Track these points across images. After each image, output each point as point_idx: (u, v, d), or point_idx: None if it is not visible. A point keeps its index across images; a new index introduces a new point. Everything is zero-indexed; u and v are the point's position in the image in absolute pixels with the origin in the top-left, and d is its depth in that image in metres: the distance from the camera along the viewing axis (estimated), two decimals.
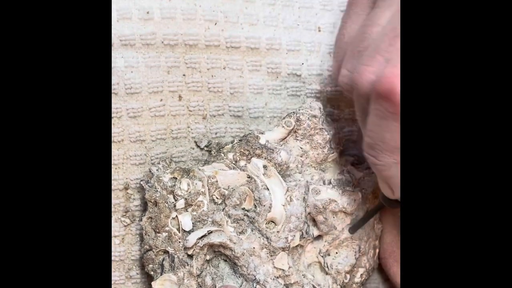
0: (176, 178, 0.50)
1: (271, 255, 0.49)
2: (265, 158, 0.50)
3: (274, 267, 0.49)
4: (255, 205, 0.50)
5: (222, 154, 0.51)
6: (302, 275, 0.50)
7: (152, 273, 0.51)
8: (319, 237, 0.52)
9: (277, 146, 0.51)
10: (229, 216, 0.50)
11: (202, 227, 0.49)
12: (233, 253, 0.49)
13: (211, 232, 0.49)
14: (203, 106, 0.54)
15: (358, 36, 0.46)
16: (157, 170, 0.52)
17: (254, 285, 0.49)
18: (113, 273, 0.53)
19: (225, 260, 0.51)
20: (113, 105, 0.52)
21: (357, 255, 0.53)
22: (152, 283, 0.49)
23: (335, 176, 0.52)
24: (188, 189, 0.50)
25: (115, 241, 0.53)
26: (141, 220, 0.52)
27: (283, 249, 0.49)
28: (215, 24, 0.53)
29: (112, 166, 0.52)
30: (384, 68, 0.41)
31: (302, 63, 0.54)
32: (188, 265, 0.49)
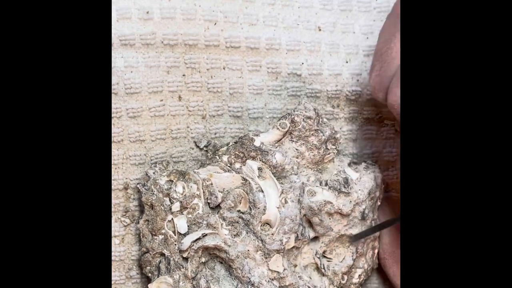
0: (172, 181, 0.51)
1: (266, 258, 0.49)
2: (260, 160, 0.50)
3: (269, 269, 0.50)
4: (250, 208, 0.50)
5: (217, 157, 0.51)
6: (298, 276, 0.50)
7: (149, 275, 0.51)
8: (315, 238, 0.52)
9: (272, 148, 0.51)
10: (224, 219, 0.50)
11: (197, 230, 0.49)
12: (228, 255, 0.49)
13: (206, 235, 0.49)
14: (202, 106, 0.54)
15: None
16: (153, 173, 0.52)
17: (249, 287, 0.49)
18: (113, 273, 0.53)
19: (221, 263, 0.51)
20: (112, 105, 0.52)
21: (354, 256, 0.52)
22: (149, 285, 0.50)
23: (332, 177, 0.52)
24: (184, 192, 0.50)
25: (115, 241, 0.53)
26: (138, 222, 0.52)
27: (278, 251, 0.49)
28: (215, 24, 0.53)
29: (112, 166, 0.52)
30: None
31: (302, 63, 0.54)
32: (183, 267, 0.50)
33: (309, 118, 0.51)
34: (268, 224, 0.50)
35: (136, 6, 0.52)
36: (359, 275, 0.53)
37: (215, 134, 0.54)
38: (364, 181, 0.52)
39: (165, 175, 0.51)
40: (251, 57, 0.54)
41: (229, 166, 0.51)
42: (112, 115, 0.52)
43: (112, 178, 0.52)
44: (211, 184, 0.50)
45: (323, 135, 0.51)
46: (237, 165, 0.51)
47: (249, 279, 0.49)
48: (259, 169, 0.50)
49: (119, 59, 0.52)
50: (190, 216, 0.50)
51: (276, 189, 0.50)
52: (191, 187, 0.50)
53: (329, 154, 0.52)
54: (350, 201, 0.51)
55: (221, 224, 0.49)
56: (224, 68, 0.54)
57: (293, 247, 0.50)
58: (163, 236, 0.50)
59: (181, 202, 0.50)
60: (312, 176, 0.52)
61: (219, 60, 0.53)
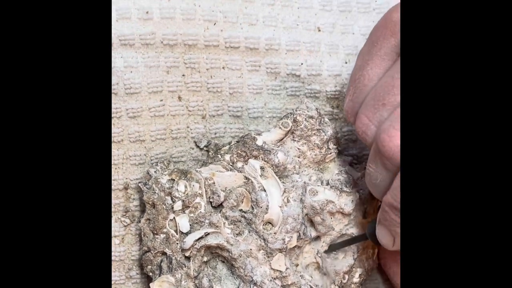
0: (174, 180, 0.51)
1: (268, 257, 0.50)
2: (262, 160, 0.51)
3: (271, 268, 0.50)
4: (252, 207, 0.50)
5: (219, 156, 0.52)
6: (300, 276, 0.51)
7: (150, 274, 0.51)
8: (317, 238, 0.52)
9: (274, 147, 0.51)
10: (226, 218, 0.50)
11: (199, 229, 0.49)
12: (230, 254, 0.49)
13: (208, 233, 0.49)
14: (202, 106, 0.54)
15: (384, 87, 0.45)
16: (155, 171, 0.52)
17: (252, 287, 0.49)
18: (113, 273, 0.53)
19: (223, 262, 0.51)
20: (112, 105, 0.52)
21: (355, 255, 0.53)
22: (150, 284, 0.50)
23: (333, 176, 0.52)
24: (186, 191, 0.50)
25: (115, 241, 0.53)
26: (139, 221, 0.52)
27: (280, 250, 0.50)
28: (214, 24, 0.53)
29: (112, 166, 0.52)
30: None
31: (302, 63, 0.54)
32: (185, 266, 0.50)
33: (311, 117, 0.51)
34: (270, 223, 0.50)
35: (136, 6, 0.52)
36: (359, 274, 0.53)
37: (215, 134, 0.54)
38: (365, 180, 0.52)
39: (167, 174, 0.51)
40: (250, 57, 0.54)
41: (231, 165, 0.51)
42: (112, 115, 0.52)
43: (112, 178, 0.52)
44: (214, 183, 0.50)
45: (325, 134, 0.51)
46: (239, 164, 0.51)
47: (252, 278, 0.49)
48: (261, 168, 0.50)
49: (118, 59, 0.52)
50: (192, 215, 0.50)
51: (279, 188, 0.50)
52: (193, 186, 0.50)
53: (330, 153, 0.52)
54: (352, 200, 0.51)
55: (224, 223, 0.50)
56: (223, 68, 0.54)
57: (295, 246, 0.50)
58: (164, 235, 0.50)
59: (183, 201, 0.50)
60: (313, 175, 0.52)
61: (219, 60, 0.53)
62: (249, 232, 0.50)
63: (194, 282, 0.50)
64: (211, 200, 0.50)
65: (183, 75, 0.53)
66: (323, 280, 0.52)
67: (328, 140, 0.52)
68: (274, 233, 0.49)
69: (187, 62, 0.53)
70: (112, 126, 0.52)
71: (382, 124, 0.44)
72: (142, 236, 0.51)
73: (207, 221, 0.49)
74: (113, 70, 0.51)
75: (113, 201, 0.52)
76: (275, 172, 0.50)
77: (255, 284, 0.49)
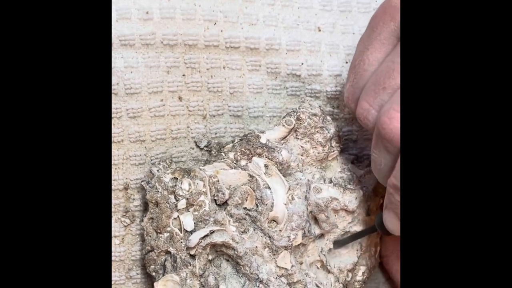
0: (177, 178, 0.50)
1: (274, 254, 0.49)
2: (266, 157, 0.51)
3: (277, 266, 0.49)
4: (256, 204, 0.50)
5: (223, 154, 0.51)
6: (305, 273, 0.51)
7: (154, 274, 0.51)
8: (321, 235, 0.52)
9: (278, 145, 0.51)
10: (231, 216, 0.50)
11: (204, 227, 0.49)
12: (236, 252, 0.49)
13: (214, 231, 0.49)
14: (202, 106, 0.54)
15: (385, 71, 0.45)
16: (157, 170, 0.52)
17: (257, 284, 0.49)
18: (113, 273, 0.53)
19: (228, 260, 0.51)
20: (112, 105, 0.52)
21: (358, 253, 0.53)
22: (155, 283, 0.49)
23: (336, 174, 0.52)
24: (190, 189, 0.50)
25: (115, 241, 0.53)
26: (142, 221, 0.52)
27: (286, 248, 0.49)
28: (215, 24, 0.53)
29: (112, 166, 0.52)
30: None
31: (302, 63, 0.55)
32: (190, 265, 0.49)
33: (315, 115, 0.51)
34: (275, 221, 0.50)
35: (136, 6, 0.52)
36: (362, 272, 0.53)
37: (216, 133, 0.54)
38: (369, 177, 0.52)
39: (170, 172, 0.51)
40: (251, 57, 0.54)
41: (235, 163, 0.51)
42: (112, 116, 0.52)
43: (112, 178, 0.52)
44: (218, 181, 0.50)
45: (328, 132, 0.52)
46: (243, 162, 0.51)
47: (258, 276, 0.49)
48: (266, 166, 0.50)
49: (119, 59, 0.52)
50: (196, 213, 0.49)
51: (283, 186, 0.50)
52: (197, 184, 0.50)
53: (333, 151, 0.52)
54: (356, 198, 0.51)
55: (229, 221, 0.49)
56: (224, 68, 0.54)
57: (300, 244, 0.50)
58: (168, 233, 0.50)
59: (187, 199, 0.49)
60: (316, 173, 0.52)
61: (219, 60, 0.53)
62: (254, 230, 0.50)
63: (199, 280, 0.49)
64: (215, 198, 0.50)
65: (184, 75, 0.53)
66: (327, 278, 0.52)
67: (331, 138, 0.52)
68: (279, 230, 0.49)
69: (187, 62, 0.53)
70: (112, 126, 0.52)
71: (383, 107, 0.44)
72: (145, 235, 0.51)
73: (211, 219, 0.49)
74: (113, 70, 0.51)
75: (113, 201, 0.52)
76: (278, 170, 0.50)
77: (261, 282, 0.49)
